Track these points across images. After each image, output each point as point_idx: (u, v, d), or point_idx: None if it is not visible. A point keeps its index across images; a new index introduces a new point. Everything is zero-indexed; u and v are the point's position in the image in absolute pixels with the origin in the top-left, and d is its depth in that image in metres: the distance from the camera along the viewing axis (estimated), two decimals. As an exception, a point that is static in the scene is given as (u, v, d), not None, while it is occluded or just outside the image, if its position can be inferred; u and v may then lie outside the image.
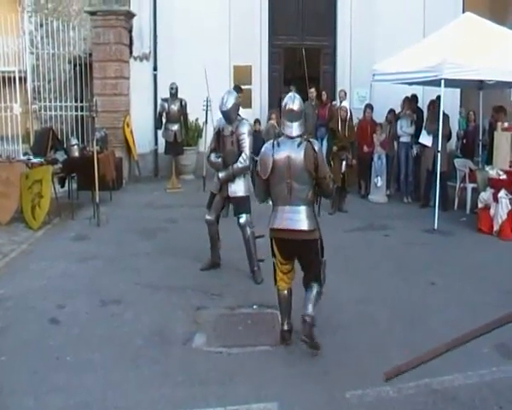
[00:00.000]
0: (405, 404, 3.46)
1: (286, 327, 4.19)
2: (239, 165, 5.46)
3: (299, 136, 3.98)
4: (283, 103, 4.08)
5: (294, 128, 3.97)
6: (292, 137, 3.96)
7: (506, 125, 8.53)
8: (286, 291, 4.17)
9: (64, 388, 3.56)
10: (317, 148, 3.97)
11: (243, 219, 5.57)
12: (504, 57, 7.81)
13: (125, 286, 5.36)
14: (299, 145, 3.91)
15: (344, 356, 4.02)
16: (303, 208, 3.95)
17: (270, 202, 4.33)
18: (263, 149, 4.08)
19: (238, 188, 5.56)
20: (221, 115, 5.57)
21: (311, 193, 4.01)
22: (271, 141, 4.07)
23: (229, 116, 5.44)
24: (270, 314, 4.73)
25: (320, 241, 4.07)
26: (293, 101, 4.02)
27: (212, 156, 5.65)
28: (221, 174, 5.50)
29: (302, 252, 4.03)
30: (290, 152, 3.91)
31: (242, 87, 10.50)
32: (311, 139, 4.06)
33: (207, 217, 5.72)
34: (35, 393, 3.50)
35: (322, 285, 4.10)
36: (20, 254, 6.38)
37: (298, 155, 3.89)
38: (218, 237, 5.82)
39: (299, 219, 3.93)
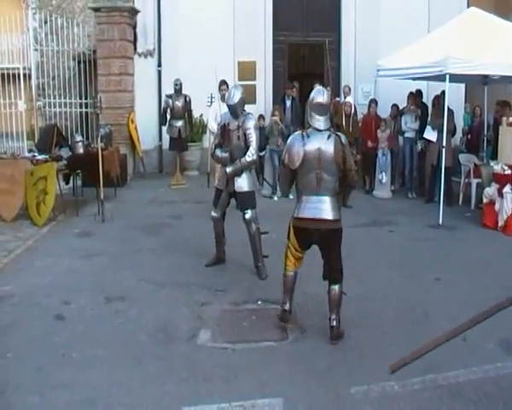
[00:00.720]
0: (410, 399, 3.46)
1: (287, 307, 4.35)
2: (247, 159, 5.44)
3: (328, 129, 4.10)
4: (311, 97, 4.16)
5: (322, 121, 4.08)
6: (321, 130, 4.06)
7: (511, 119, 8.48)
8: (293, 273, 4.33)
9: (69, 384, 3.58)
10: (344, 141, 4.11)
11: (249, 214, 5.57)
12: (509, 52, 7.77)
13: (129, 283, 5.38)
14: (328, 138, 4.04)
15: (348, 352, 4.02)
16: (329, 199, 4.09)
17: (291, 196, 4.38)
18: (291, 141, 4.17)
19: (244, 183, 5.55)
20: (226, 110, 5.59)
21: (337, 184, 4.15)
22: (299, 132, 4.18)
23: (236, 110, 5.44)
24: (275, 310, 4.71)
25: (340, 234, 4.18)
26: (322, 94, 4.13)
27: (218, 151, 5.63)
28: (229, 169, 5.47)
29: (326, 242, 4.13)
30: (320, 144, 4.03)
31: (246, 83, 10.50)
32: (338, 133, 4.20)
33: (214, 214, 5.71)
34: (40, 389, 3.52)
35: (342, 281, 4.19)
36: (25, 250, 6.40)
37: (328, 147, 4.02)
38: (224, 234, 5.82)
39: (324, 208, 4.07)
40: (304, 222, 4.10)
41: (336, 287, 4.14)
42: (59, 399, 3.44)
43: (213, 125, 8.01)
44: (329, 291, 4.17)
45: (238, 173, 5.50)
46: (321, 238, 4.12)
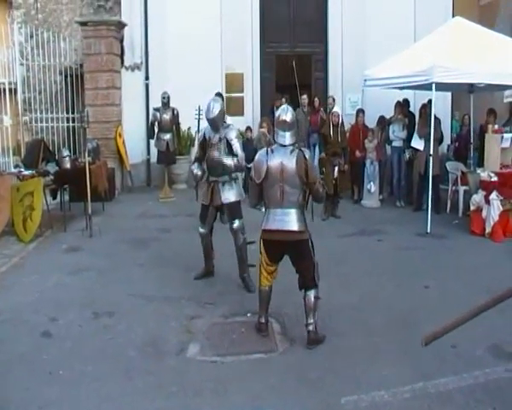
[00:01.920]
0: (400, 408, 3.45)
1: (263, 320, 4.48)
2: (236, 163, 5.43)
3: (292, 144, 4.29)
4: (277, 115, 4.41)
5: (287, 137, 4.29)
6: (285, 146, 4.27)
7: (496, 127, 8.58)
8: (267, 288, 4.45)
9: (57, 402, 3.53)
10: (307, 156, 4.29)
11: (236, 224, 5.56)
12: (494, 60, 7.88)
13: (118, 297, 5.33)
14: (291, 152, 4.24)
15: (338, 362, 4.00)
16: (293, 211, 4.23)
17: (263, 209, 4.44)
18: (257, 156, 4.38)
19: (231, 193, 5.54)
20: (207, 124, 5.57)
21: (301, 197, 4.31)
22: (265, 149, 4.36)
23: (216, 123, 5.42)
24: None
25: (311, 242, 4.31)
26: (285, 113, 4.35)
27: (195, 166, 5.67)
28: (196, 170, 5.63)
29: (294, 252, 4.29)
30: (283, 159, 4.22)
31: (234, 95, 10.55)
32: (302, 148, 4.40)
33: (201, 230, 5.68)
34: (27, 408, 3.46)
35: (318, 287, 4.30)
36: (11, 267, 6.32)
37: (290, 161, 4.21)
38: (212, 247, 5.81)
39: (289, 220, 4.21)
40: (270, 234, 4.25)
41: (310, 293, 4.26)
42: (46, 417, 3.39)
43: None
44: (304, 297, 4.29)
45: (224, 182, 5.51)
46: (289, 249, 4.27)
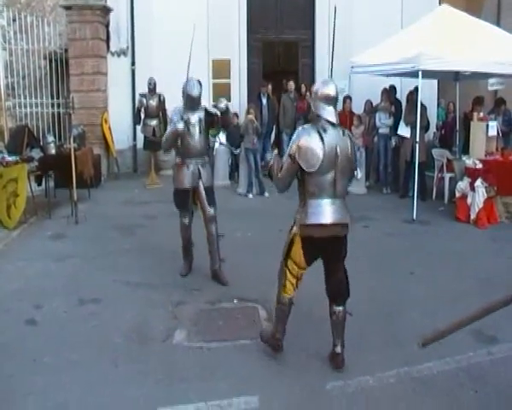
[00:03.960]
0: (386, 393, 3.49)
1: (280, 335, 3.88)
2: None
3: (339, 124, 3.62)
4: (316, 88, 3.62)
5: (335, 114, 3.56)
6: (333, 125, 3.54)
7: (482, 115, 8.63)
8: (290, 299, 3.81)
9: (41, 390, 3.51)
10: (353, 139, 3.72)
11: (213, 211, 5.35)
12: (480, 49, 7.90)
13: (103, 284, 5.30)
14: (344, 134, 3.59)
15: (324, 348, 4.01)
16: (343, 201, 3.63)
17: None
18: (304, 136, 3.50)
19: (210, 176, 5.41)
20: (178, 105, 5.35)
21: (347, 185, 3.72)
22: (312, 126, 3.54)
23: (198, 102, 5.29)
24: (251, 308, 4.73)
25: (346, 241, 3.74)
26: (329, 85, 3.60)
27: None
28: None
29: (337, 250, 3.68)
30: (338, 140, 3.51)
31: (221, 81, 10.51)
32: (346, 130, 3.71)
33: (185, 220, 5.44)
34: (11, 397, 3.43)
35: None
36: (-5, 254, 6.26)
37: (345, 144, 3.55)
38: (191, 239, 5.60)
39: (343, 211, 3.60)
40: (323, 230, 3.52)
41: (342, 306, 3.75)
42: (30, 406, 3.36)
43: None
44: (332, 314, 3.75)
45: (203, 163, 5.33)
46: (333, 247, 3.63)
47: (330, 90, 3.55)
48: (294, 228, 3.66)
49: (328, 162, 3.46)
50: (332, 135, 3.49)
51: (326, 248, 3.62)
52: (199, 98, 5.31)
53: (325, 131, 3.48)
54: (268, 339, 3.97)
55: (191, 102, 5.26)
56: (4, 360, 3.87)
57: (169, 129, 5.28)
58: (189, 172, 5.30)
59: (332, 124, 3.52)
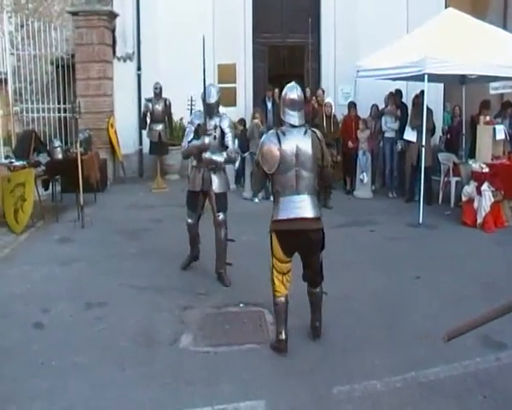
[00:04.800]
0: (393, 397, 3.47)
1: (283, 336, 4.00)
2: (229, 154, 5.37)
3: (303, 125, 3.94)
4: (283, 93, 4.00)
5: (298, 117, 3.91)
6: (296, 126, 3.89)
7: (488, 118, 8.60)
8: (284, 298, 4.01)
9: (49, 393, 3.51)
10: (320, 137, 3.99)
11: (221, 216, 5.46)
12: (485, 52, 7.88)
13: (109, 288, 5.31)
14: (305, 134, 3.89)
15: (330, 352, 4.02)
16: (310, 197, 3.90)
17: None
18: (266, 143, 3.90)
19: (221, 183, 5.47)
20: (200, 109, 5.51)
21: (316, 182, 3.99)
22: (273, 131, 3.95)
23: (213, 109, 5.37)
24: (257, 312, 4.72)
25: (323, 232, 3.99)
26: (293, 90, 3.96)
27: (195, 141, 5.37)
28: (208, 154, 5.28)
29: (309, 243, 3.93)
30: (297, 141, 3.85)
31: (227, 86, 10.52)
32: (313, 129, 4.06)
33: (190, 221, 5.58)
34: (18, 400, 3.44)
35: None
36: (2, 258, 6.28)
37: (305, 143, 3.86)
38: (198, 234, 5.75)
39: (306, 207, 3.87)
40: (287, 224, 3.84)
41: (319, 288, 4.11)
42: (38, 408, 3.37)
43: None
44: (311, 294, 4.12)
45: (218, 165, 5.38)
46: (305, 240, 3.90)
47: (294, 95, 3.92)
48: (271, 225, 3.99)
49: (288, 162, 3.82)
50: (291, 137, 3.85)
51: (298, 241, 3.91)
52: (213, 106, 5.38)
53: (284, 134, 3.86)
54: (272, 344, 4.08)
55: (207, 108, 5.36)
56: (11, 363, 3.88)
57: (195, 142, 5.35)
58: (200, 175, 5.42)
59: (294, 126, 3.87)
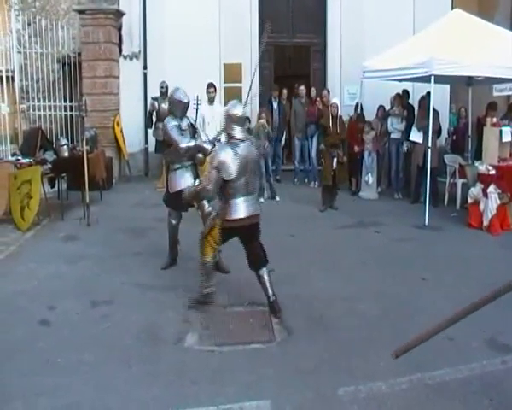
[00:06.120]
0: (398, 399, 3.47)
1: (214, 289, 4.78)
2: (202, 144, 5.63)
3: (248, 138, 4.61)
4: (229, 110, 4.51)
5: (243, 132, 4.54)
6: (243, 140, 4.48)
7: (495, 120, 8.57)
8: (213, 256, 4.75)
9: (54, 390, 3.53)
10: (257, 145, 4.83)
11: (209, 208, 5.61)
12: (492, 53, 7.87)
13: (115, 286, 5.33)
14: (251, 144, 4.58)
15: (335, 353, 4.02)
16: (255, 197, 4.65)
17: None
18: (222, 155, 4.39)
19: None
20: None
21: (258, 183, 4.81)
22: (227, 144, 4.49)
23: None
24: (262, 312, 4.72)
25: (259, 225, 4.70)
26: (237, 107, 4.54)
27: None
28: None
29: (250, 233, 4.63)
30: (247, 151, 4.47)
31: (232, 85, 10.55)
32: (251, 138, 4.77)
33: (174, 222, 5.83)
34: (24, 396, 3.46)
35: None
36: (8, 255, 6.31)
37: (253, 152, 4.56)
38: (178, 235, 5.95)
39: (254, 205, 4.58)
40: (241, 222, 4.47)
41: (265, 269, 4.65)
42: (43, 405, 3.38)
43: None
44: (260, 275, 4.64)
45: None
46: (247, 231, 4.57)
47: (238, 111, 4.49)
48: (217, 219, 4.58)
49: (242, 170, 4.40)
50: (243, 148, 4.43)
51: (242, 232, 4.58)
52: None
53: (237, 145, 4.42)
54: (198, 299, 4.74)
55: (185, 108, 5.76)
56: (18, 360, 3.90)
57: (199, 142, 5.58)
58: (189, 174, 5.70)
59: (241, 140, 4.45)
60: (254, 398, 3.45)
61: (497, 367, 3.84)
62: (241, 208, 4.48)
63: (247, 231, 4.58)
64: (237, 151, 4.38)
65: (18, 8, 12.14)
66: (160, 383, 3.63)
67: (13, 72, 10.57)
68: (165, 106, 10.11)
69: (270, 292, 4.62)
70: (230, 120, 4.47)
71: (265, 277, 4.64)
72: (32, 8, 12.28)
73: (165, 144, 10.05)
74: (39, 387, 3.56)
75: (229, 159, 4.36)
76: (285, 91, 11.09)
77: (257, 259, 4.65)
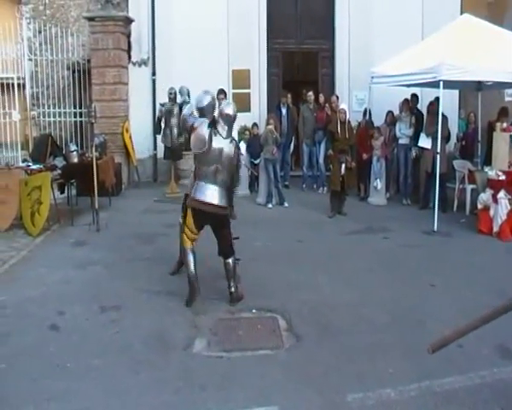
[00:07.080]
0: (407, 406, 3.45)
1: (193, 274, 5.04)
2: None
3: (231, 138, 4.97)
4: (220, 107, 4.91)
5: (227, 131, 4.88)
6: (224, 137, 4.86)
7: (505, 125, 8.52)
8: (191, 247, 5.07)
9: (64, 395, 3.55)
10: (238, 147, 5.18)
11: None
12: (502, 58, 7.83)
13: (124, 292, 5.35)
14: (230, 141, 4.93)
15: (344, 360, 4.00)
16: (221, 189, 4.88)
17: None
18: (200, 129, 4.78)
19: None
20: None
21: (230, 180, 4.95)
22: (209, 126, 4.80)
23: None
24: (270, 318, 4.73)
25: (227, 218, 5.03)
26: (230, 107, 4.92)
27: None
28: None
29: (215, 223, 4.98)
30: (223, 144, 4.84)
31: (241, 91, 10.58)
32: (235, 139, 5.16)
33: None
34: (35, 400, 3.49)
35: (234, 253, 5.09)
36: (19, 260, 6.36)
37: (229, 148, 4.89)
38: None
39: (216, 196, 4.85)
40: (199, 204, 4.84)
41: (230, 260, 5.02)
42: (53, 409, 3.41)
43: None
44: (225, 264, 5.03)
45: None
46: (212, 220, 4.94)
47: (230, 111, 4.87)
48: (188, 200, 5.00)
49: (213, 158, 4.79)
50: (221, 139, 4.82)
51: (209, 219, 4.95)
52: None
53: (215, 135, 4.80)
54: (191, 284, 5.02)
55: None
56: (28, 364, 3.93)
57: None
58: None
59: (223, 137, 4.83)
60: (263, 404, 3.45)
61: (508, 375, 3.80)
62: (204, 192, 4.83)
63: (213, 220, 4.93)
64: (214, 138, 4.75)
65: (29, 16, 12.28)
66: (169, 388, 3.64)
67: (24, 79, 10.70)
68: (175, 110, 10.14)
69: (231, 282, 5.03)
70: (220, 115, 4.86)
71: (228, 267, 5.02)
72: (42, 16, 12.42)
73: (173, 151, 10.20)
74: (49, 392, 3.58)
75: (203, 133, 4.75)
76: (289, 96, 11.10)
77: (223, 248, 5.04)
